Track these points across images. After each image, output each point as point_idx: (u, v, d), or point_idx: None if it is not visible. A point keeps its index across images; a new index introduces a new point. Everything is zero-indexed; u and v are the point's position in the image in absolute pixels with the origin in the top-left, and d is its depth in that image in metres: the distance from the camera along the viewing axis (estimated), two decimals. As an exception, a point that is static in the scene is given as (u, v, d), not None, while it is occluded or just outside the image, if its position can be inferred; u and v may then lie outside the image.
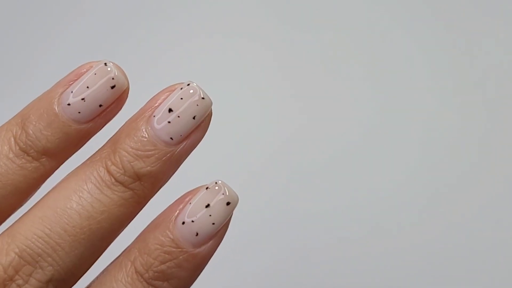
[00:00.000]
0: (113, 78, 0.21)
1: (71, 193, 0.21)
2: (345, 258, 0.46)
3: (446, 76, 0.50)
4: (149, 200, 0.22)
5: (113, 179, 0.21)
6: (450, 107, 0.50)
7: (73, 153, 0.22)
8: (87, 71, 0.21)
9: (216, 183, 0.21)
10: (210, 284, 0.43)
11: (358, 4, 0.52)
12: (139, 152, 0.21)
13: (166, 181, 0.22)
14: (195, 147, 0.22)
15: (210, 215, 0.21)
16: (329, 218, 0.47)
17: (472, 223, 0.47)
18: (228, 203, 0.21)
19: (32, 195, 0.22)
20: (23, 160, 0.21)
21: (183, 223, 0.21)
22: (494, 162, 0.48)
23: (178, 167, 0.22)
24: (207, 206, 0.21)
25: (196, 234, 0.21)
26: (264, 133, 0.49)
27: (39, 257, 0.20)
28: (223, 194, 0.21)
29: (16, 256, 0.20)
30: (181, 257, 0.21)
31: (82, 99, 0.21)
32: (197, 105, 0.21)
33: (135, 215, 0.22)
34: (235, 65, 0.51)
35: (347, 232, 0.47)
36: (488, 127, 0.49)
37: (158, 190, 0.22)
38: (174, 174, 0.23)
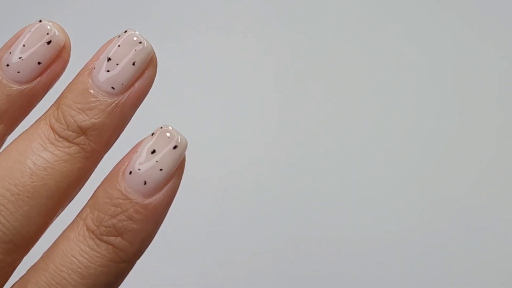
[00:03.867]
0: (48, 33, 0.21)
1: (14, 153, 0.20)
2: (343, 256, 0.45)
3: (445, 77, 0.49)
4: (101, 156, 0.21)
5: (56, 135, 0.20)
6: (451, 107, 0.48)
7: (22, 117, 0.22)
8: (24, 32, 0.21)
9: (161, 127, 0.20)
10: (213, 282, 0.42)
11: (358, 3, 0.51)
12: (81, 105, 0.20)
13: (116, 135, 0.21)
14: (142, 99, 0.21)
15: (156, 161, 0.20)
16: (329, 215, 0.46)
17: (472, 223, 0.45)
18: (175, 147, 0.20)
19: None
20: None
21: (130, 173, 0.20)
22: (496, 164, 0.46)
23: (126, 119, 0.21)
24: (153, 152, 0.20)
25: (144, 182, 0.20)
26: (264, 130, 0.49)
27: None
28: (169, 138, 0.20)
29: None
30: (131, 208, 0.20)
31: (20, 58, 0.21)
32: (135, 50, 0.21)
33: (87, 173, 0.21)
34: (233, 62, 0.51)
35: (344, 229, 0.45)
36: (490, 127, 0.47)
37: (108, 144, 0.21)
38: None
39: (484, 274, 0.44)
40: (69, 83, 0.21)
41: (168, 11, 0.52)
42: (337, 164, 0.48)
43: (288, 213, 0.47)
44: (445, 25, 0.50)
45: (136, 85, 0.21)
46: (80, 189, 0.21)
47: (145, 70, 0.21)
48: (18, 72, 0.21)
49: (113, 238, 0.20)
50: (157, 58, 0.54)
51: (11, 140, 0.22)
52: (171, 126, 0.21)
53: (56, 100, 0.21)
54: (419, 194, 0.46)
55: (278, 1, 0.52)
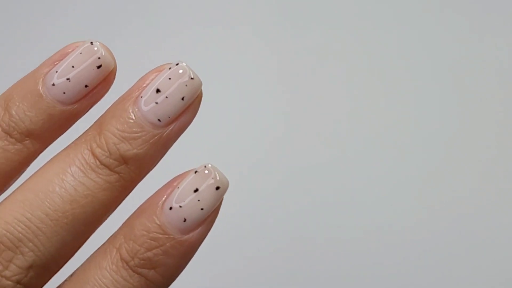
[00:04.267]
0: (99, 58, 0.20)
1: (54, 176, 0.20)
2: (339, 256, 0.46)
3: (446, 78, 0.50)
4: (136, 184, 0.21)
5: (98, 162, 0.20)
6: (452, 108, 0.49)
7: (59, 136, 0.21)
8: (72, 50, 0.21)
9: (205, 166, 0.21)
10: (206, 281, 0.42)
11: (358, 2, 0.52)
12: (125, 134, 0.20)
13: (154, 165, 0.21)
14: (184, 130, 0.21)
15: (198, 200, 0.20)
16: (325, 216, 0.47)
17: (471, 223, 0.46)
18: (217, 188, 0.20)
19: (16, 179, 0.21)
20: (5, 142, 0.20)
21: (171, 208, 0.20)
22: (498, 164, 0.47)
23: (167, 151, 0.21)
24: (196, 190, 0.20)
25: (184, 220, 0.20)
26: (262, 128, 0.49)
27: (20, 242, 0.19)
28: (212, 178, 0.20)
29: None
30: (168, 244, 0.20)
31: (67, 79, 0.20)
32: (186, 85, 0.20)
33: (122, 200, 0.21)
34: (233, 58, 0.50)
35: (341, 231, 0.46)
36: (491, 128, 0.48)
37: (145, 174, 0.21)
38: (167, 159, 0.22)
39: (485, 275, 0.45)
40: (112, 108, 0.21)
41: (169, 8, 0.52)
42: (338, 164, 0.48)
43: (290, 215, 0.47)
44: (447, 26, 0.50)
45: (181, 118, 0.21)
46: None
47: (192, 104, 0.21)
48: (64, 93, 0.20)
49: (146, 270, 0.20)
50: (159, 57, 0.53)
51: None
52: (211, 165, 0.21)
53: (97, 123, 0.21)
54: (423, 195, 0.47)
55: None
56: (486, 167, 0.47)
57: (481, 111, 0.49)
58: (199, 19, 0.51)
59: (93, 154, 0.20)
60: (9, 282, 0.19)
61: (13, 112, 0.20)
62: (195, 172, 0.21)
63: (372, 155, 0.48)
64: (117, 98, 0.22)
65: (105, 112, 0.21)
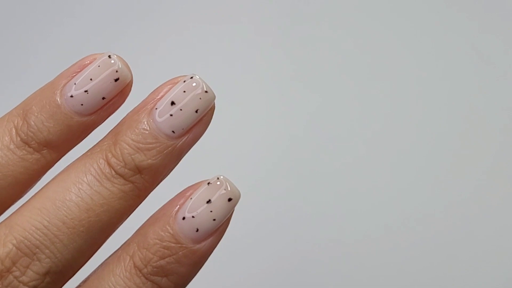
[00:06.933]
0: (116, 71, 0.21)
1: (70, 185, 0.20)
2: (344, 259, 0.46)
3: (451, 79, 0.50)
4: (149, 193, 0.22)
5: (113, 172, 0.21)
6: (455, 110, 0.49)
7: (75, 145, 0.22)
8: (90, 63, 0.21)
9: (218, 178, 0.21)
10: (211, 283, 0.43)
11: (364, 2, 0.52)
12: (140, 145, 0.21)
13: (167, 175, 0.22)
14: (196, 141, 0.22)
15: (211, 211, 0.21)
16: (330, 218, 0.47)
17: (472, 226, 0.46)
18: (229, 199, 0.21)
19: (32, 187, 0.22)
20: (24, 151, 0.21)
21: (184, 218, 0.21)
22: (498, 167, 0.48)
23: (179, 161, 0.22)
24: (208, 201, 0.21)
25: (196, 230, 0.21)
26: (269, 132, 0.49)
27: (37, 249, 0.20)
28: (224, 189, 0.21)
29: (14, 248, 0.20)
30: (180, 252, 0.21)
31: (85, 91, 0.21)
32: (200, 98, 0.21)
33: (135, 208, 0.21)
34: (242, 60, 0.51)
35: (347, 234, 0.47)
36: (495, 128, 0.48)
37: (158, 183, 0.22)
38: (178, 168, 0.22)
39: (486, 276, 0.45)
40: (127, 118, 0.21)
41: (175, 4, 0.52)
42: (345, 168, 0.48)
43: (298, 220, 0.47)
44: (451, 25, 0.50)
45: (194, 129, 0.21)
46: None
47: (204, 116, 0.21)
48: (82, 104, 0.21)
49: (159, 278, 0.21)
50: (162, 53, 0.53)
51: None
52: (223, 176, 0.21)
53: (113, 133, 0.21)
54: (431, 198, 0.47)
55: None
56: (489, 168, 0.48)
57: (483, 112, 0.49)
58: (208, 22, 0.52)
59: (109, 164, 0.21)
60: None
61: (32, 122, 0.21)
62: (208, 183, 0.21)
63: (377, 158, 0.48)
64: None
65: (120, 122, 0.21)
